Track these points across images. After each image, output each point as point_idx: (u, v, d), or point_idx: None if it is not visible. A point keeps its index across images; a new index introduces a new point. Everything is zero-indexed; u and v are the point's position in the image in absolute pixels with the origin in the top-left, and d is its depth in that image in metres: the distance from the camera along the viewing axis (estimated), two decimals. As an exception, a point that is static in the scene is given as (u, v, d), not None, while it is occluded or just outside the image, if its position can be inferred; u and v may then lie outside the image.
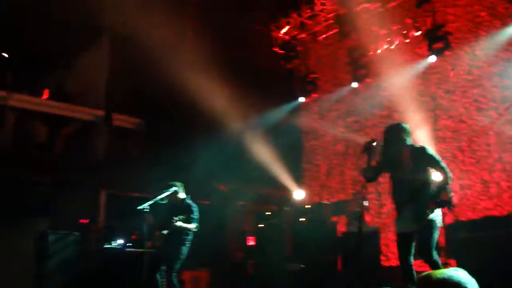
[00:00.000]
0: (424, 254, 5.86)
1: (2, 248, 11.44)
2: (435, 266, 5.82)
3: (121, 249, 11.18)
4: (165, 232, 8.41)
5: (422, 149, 6.05)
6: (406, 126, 6.22)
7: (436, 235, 5.88)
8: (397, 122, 6.43)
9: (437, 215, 5.88)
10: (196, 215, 8.61)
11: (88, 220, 12.66)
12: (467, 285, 2.89)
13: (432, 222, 5.83)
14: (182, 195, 8.82)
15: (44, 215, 12.42)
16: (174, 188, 8.58)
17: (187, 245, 8.60)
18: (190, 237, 8.63)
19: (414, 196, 5.91)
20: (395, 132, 6.19)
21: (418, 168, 5.97)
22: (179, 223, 8.34)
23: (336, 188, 12.27)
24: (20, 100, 13.13)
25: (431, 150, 6.07)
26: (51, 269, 10.72)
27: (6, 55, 14.20)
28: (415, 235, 5.90)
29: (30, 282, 10.87)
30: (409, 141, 6.14)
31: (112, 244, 11.29)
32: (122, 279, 9.79)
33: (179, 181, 9.02)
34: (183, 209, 8.66)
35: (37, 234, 11.32)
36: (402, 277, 5.94)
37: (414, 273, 5.90)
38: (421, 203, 5.86)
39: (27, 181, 12.23)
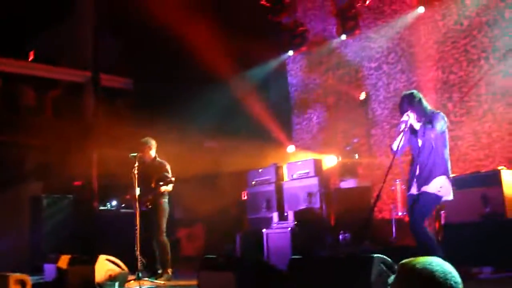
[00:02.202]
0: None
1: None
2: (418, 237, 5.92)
3: (116, 210, 11.26)
4: (138, 191, 8.31)
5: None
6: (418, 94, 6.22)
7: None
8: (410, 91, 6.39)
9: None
10: (170, 174, 8.60)
11: (81, 182, 12.70)
12: (445, 276, 2.88)
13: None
14: (153, 153, 8.80)
15: (37, 179, 12.44)
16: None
17: (166, 202, 8.63)
18: (166, 194, 8.65)
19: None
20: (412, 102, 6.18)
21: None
22: (163, 188, 8.36)
23: (327, 141, 12.27)
24: (5, 64, 12.99)
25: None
26: (46, 232, 10.83)
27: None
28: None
29: (26, 246, 10.97)
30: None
31: (107, 205, 11.36)
32: (117, 240, 9.84)
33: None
34: (155, 167, 8.66)
35: (31, 198, 11.38)
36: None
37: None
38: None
39: (17, 145, 12.20)
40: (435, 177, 5.94)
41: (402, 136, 6.06)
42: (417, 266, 2.91)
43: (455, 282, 2.88)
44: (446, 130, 6.15)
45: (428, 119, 6.08)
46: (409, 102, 6.18)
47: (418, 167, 6.08)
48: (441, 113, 6.14)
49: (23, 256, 10.49)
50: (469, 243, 6.81)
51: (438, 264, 2.90)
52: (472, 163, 9.48)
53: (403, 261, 3.01)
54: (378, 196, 6.08)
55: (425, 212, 6.05)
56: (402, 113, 6.21)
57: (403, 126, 6.09)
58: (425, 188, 5.94)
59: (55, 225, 10.86)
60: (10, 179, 12.02)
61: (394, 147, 6.14)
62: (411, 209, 6.07)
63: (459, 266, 5.86)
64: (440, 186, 5.92)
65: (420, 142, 6.13)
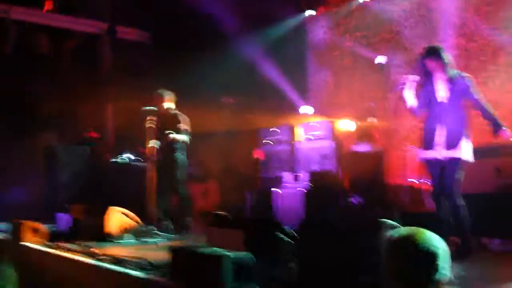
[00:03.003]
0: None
1: (13, 161, 11.59)
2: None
3: (129, 163, 11.34)
4: (151, 143, 8.38)
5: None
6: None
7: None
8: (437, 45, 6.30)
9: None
10: (184, 125, 8.59)
11: (96, 134, 12.77)
12: (426, 245, 2.91)
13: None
14: (167, 104, 8.79)
15: (52, 128, 12.52)
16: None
17: (182, 154, 8.65)
18: (181, 146, 8.65)
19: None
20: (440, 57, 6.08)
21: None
22: (172, 136, 8.37)
23: (343, 103, 12.23)
24: (21, 13, 12.95)
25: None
26: (61, 183, 10.94)
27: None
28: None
29: (41, 195, 11.10)
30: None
31: (119, 158, 11.44)
32: (131, 193, 9.94)
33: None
34: (168, 119, 8.66)
35: (47, 148, 11.47)
36: None
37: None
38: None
39: (32, 94, 12.23)
40: (462, 140, 5.91)
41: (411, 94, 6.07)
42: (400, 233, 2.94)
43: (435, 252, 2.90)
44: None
45: (457, 80, 6.02)
46: (437, 56, 6.06)
47: (442, 129, 6.03)
48: (470, 76, 6.11)
49: (38, 205, 10.63)
50: (481, 214, 6.82)
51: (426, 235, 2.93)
52: (488, 134, 9.42)
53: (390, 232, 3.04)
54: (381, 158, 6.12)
55: (460, 178, 6.02)
56: (419, 69, 6.14)
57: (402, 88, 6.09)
58: (455, 153, 5.92)
59: (69, 175, 10.95)
60: (25, 128, 12.10)
61: (411, 104, 6.16)
62: (441, 175, 6.04)
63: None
64: (467, 150, 5.93)
65: (444, 103, 6.06)
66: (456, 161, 5.90)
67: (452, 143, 5.91)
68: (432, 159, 6.10)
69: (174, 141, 8.48)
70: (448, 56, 6.08)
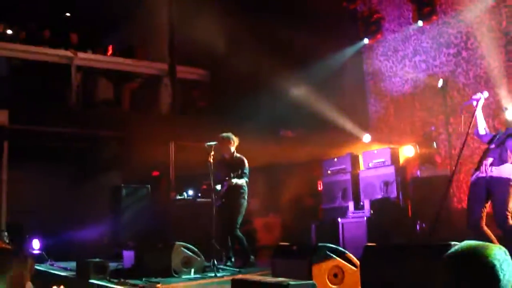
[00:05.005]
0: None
1: (80, 202, 11.86)
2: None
3: (192, 200, 11.42)
4: (218, 187, 8.48)
5: None
6: None
7: None
8: None
9: None
10: (246, 169, 8.64)
11: (158, 173, 12.95)
12: (494, 260, 2.74)
13: None
14: (233, 148, 8.85)
15: (116, 170, 12.77)
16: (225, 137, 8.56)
17: (244, 199, 8.70)
18: (245, 191, 8.70)
19: None
20: None
21: None
22: (234, 180, 8.43)
23: (405, 130, 12.04)
24: (85, 59, 13.38)
25: None
26: (125, 221, 11.10)
27: (68, 15, 14.42)
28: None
29: (107, 234, 11.27)
30: None
31: (184, 195, 11.53)
32: (193, 229, 10.00)
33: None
34: (234, 163, 8.72)
35: (111, 188, 11.70)
36: None
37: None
38: None
39: (98, 138, 12.53)
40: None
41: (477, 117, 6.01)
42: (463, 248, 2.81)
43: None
44: None
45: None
46: None
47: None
48: None
49: (104, 244, 10.81)
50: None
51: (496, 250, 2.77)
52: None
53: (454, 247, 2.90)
54: (450, 182, 5.96)
55: None
56: None
57: (474, 103, 6.01)
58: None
59: (133, 214, 11.11)
60: (90, 170, 12.39)
61: (481, 131, 6.08)
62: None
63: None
64: None
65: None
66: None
67: None
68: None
69: (236, 186, 8.55)
70: None
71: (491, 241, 5.67)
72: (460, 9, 10.90)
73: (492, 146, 6.35)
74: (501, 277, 2.68)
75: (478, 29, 10.62)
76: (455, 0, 11.01)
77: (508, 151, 6.10)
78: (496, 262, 2.72)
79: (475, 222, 6.20)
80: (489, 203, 6.31)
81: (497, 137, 6.41)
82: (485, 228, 6.24)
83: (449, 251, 2.91)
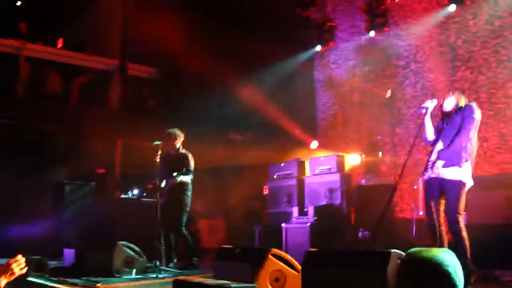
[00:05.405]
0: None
1: (22, 198, 11.60)
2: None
3: (137, 199, 11.29)
4: (162, 184, 8.38)
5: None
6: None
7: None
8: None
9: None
10: (191, 166, 8.60)
11: (104, 170, 12.76)
12: (448, 268, 2.83)
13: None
14: (178, 144, 8.79)
15: (61, 165, 12.53)
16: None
17: (188, 196, 8.64)
18: (189, 188, 8.65)
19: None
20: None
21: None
22: (178, 178, 8.35)
23: (352, 138, 12.20)
24: (34, 50, 13.11)
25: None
26: (68, 218, 10.90)
27: (19, 3, 14.12)
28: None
29: (49, 231, 11.05)
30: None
31: (129, 194, 11.40)
32: (136, 229, 9.89)
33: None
34: (178, 159, 8.65)
35: (55, 184, 11.47)
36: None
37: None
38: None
39: (43, 131, 12.29)
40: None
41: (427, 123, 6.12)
42: (423, 255, 2.87)
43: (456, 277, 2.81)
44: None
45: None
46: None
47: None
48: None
49: (46, 241, 10.58)
50: (491, 245, 6.69)
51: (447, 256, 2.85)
52: (498, 166, 9.35)
53: (411, 250, 2.97)
54: (394, 191, 6.04)
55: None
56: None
57: (423, 111, 6.12)
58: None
59: (76, 211, 10.93)
60: (35, 164, 12.12)
61: (429, 137, 6.19)
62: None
63: (481, 268, 5.81)
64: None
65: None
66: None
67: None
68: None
69: (181, 183, 8.48)
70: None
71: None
72: (412, 22, 11.12)
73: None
74: (457, 282, 2.77)
75: (427, 43, 10.87)
76: (407, 13, 11.23)
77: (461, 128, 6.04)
78: (451, 270, 2.80)
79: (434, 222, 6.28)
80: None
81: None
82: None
83: (405, 260, 2.97)
